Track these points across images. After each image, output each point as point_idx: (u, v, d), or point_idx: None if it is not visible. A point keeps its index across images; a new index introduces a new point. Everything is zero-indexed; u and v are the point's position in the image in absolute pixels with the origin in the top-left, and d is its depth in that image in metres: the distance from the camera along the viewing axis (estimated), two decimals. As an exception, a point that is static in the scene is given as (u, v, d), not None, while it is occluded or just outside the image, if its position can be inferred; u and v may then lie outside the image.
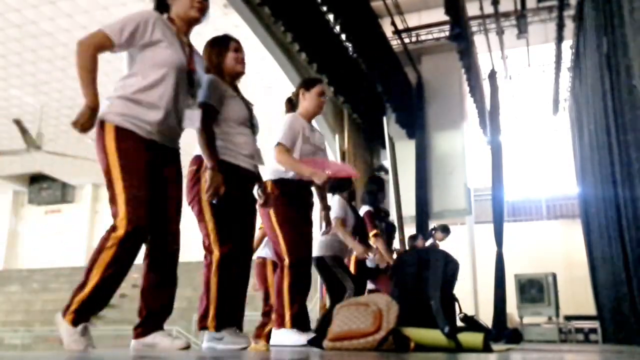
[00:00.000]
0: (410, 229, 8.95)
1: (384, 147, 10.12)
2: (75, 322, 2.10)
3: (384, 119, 9.61)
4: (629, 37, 3.91)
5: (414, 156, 9.88)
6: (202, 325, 2.53)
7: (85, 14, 10.31)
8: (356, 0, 7.50)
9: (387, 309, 2.38)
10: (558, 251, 13.31)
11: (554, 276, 9.26)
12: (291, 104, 3.33)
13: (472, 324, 2.76)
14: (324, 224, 3.38)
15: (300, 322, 2.91)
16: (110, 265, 2.09)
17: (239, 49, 2.72)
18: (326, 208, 3.29)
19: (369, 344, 2.30)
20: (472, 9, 9.14)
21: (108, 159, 2.14)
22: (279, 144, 3.04)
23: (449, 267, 2.76)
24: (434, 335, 2.44)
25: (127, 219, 2.10)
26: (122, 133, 2.15)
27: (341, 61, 8.05)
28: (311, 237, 3.16)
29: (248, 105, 2.74)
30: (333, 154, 9.59)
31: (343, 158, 9.28)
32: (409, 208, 9.34)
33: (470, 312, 7.03)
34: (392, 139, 9.91)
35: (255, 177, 2.71)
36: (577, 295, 10.87)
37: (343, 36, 7.76)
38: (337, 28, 7.56)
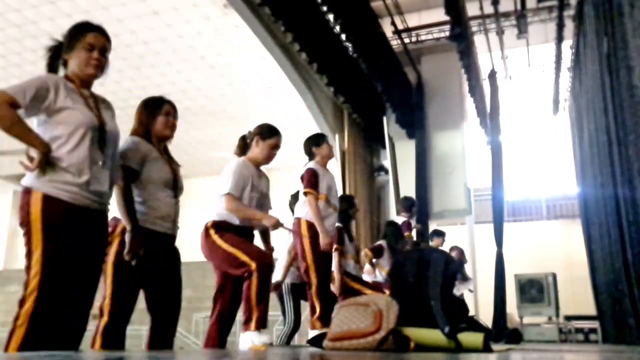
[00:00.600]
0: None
1: (384, 147, 10.13)
2: None
3: (384, 119, 9.61)
4: (629, 37, 3.91)
5: (414, 156, 9.87)
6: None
7: (85, 14, 10.30)
8: (356, 0, 7.50)
9: (387, 309, 2.38)
10: (558, 251, 13.31)
11: (554, 276, 9.26)
12: (244, 143, 3.38)
13: (472, 324, 2.76)
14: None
15: (263, 323, 2.97)
16: (23, 344, 1.99)
17: (171, 113, 2.73)
18: (270, 250, 3.37)
19: (369, 344, 2.30)
20: (472, 9, 9.14)
21: (31, 226, 2.07)
22: (228, 193, 3.11)
23: (449, 268, 2.76)
24: (434, 335, 2.44)
25: (38, 292, 2.01)
26: (49, 201, 2.08)
27: (341, 61, 8.05)
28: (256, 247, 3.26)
29: (173, 168, 2.73)
30: (333, 154, 9.57)
31: (343, 158, 9.28)
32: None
33: (470, 312, 7.02)
34: (392, 139, 9.91)
35: (173, 238, 2.73)
36: (577, 295, 10.87)
37: (343, 36, 7.76)
38: (337, 28, 7.56)
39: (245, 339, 2.93)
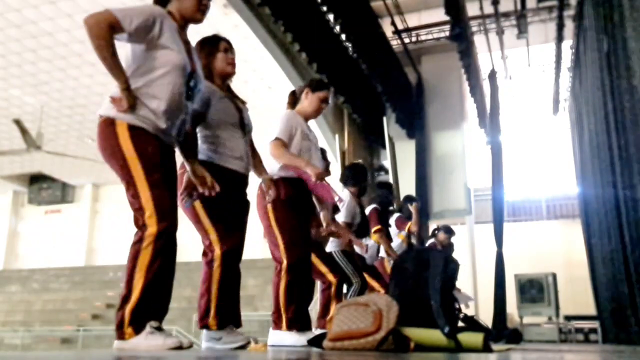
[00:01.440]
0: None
1: (384, 147, 10.13)
2: (137, 331, 2.03)
3: (384, 119, 9.61)
4: (629, 37, 3.91)
5: (414, 156, 9.88)
6: (203, 324, 2.52)
7: (85, 14, 10.22)
8: (356, 0, 7.50)
9: (387, 309, 2.38)
10: (558, 251, 13.31)
11: (554, 276, 9.26)
12: (294, 98, 3.28)
13: (472, 324, 2.76)
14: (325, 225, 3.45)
15: (298, 323, 2.90)
16: (151, 264, 2.04)
17: (228, 49, 2.68)
18: (323, 208, 3.30)
19: (369, 344, 2.30)
20: (472, 9, 9.14)
21: (126, 158, 2.08)
22: (276, 138, 2.98)
23: (449, 268, 2.76)
24: (434, 335, 2.44)
25: (156, 215, 2.06)
26: (136, 131, 2.10)
27: (341, 61, 8.05)
28: (309, 238, 3.15)
29: (238, 107, 2.69)
30: (333, 154, 9.59)
31: (343, 158, 9.28)
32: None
33: (470, 312, 7.02)
34: (392, 139, 9.91)
35: (246, 178, 2.69)
36: (577, 295, 10.87)
37: (343, 36, 7.77)
38: (337, 28, 7.57)
39: (276, 337, 2.88)
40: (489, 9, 9.16)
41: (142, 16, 2.11)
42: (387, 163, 10.13)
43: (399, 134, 10.05)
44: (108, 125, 2.12)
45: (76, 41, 11.10)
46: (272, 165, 3.03)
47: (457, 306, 2.80)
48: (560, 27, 8.57)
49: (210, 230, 2.53)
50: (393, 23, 9.19)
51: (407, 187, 9.62)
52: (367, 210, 4.89)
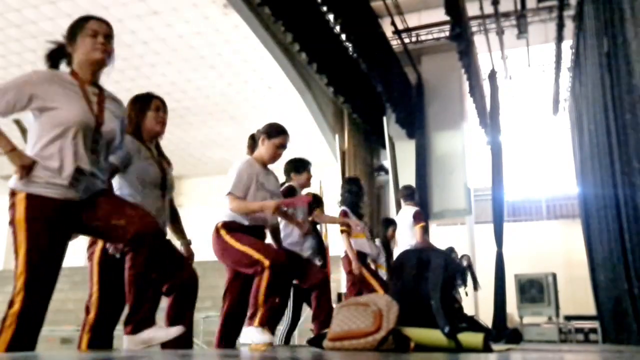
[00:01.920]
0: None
1: (384, 147, 10.13)
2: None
3: (384, 119, 9.61)
4: (629, 37, 3.91)
5: (414, 156, 9.88)
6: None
7: (85, 14, 10.30)
8: (356, 0, 7.50)
9: (387, 309, 2.38)
10: (558, 251, 13.31)
11: (554, 276, 9.26)
12: (253, 142, 3.40)
13: (472, 324, 2.76)
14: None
15: (269, 321, 2.96)
16: (11, 344, 2.00)
17: (160, 108, 2.73)
18: (280, 247, 3.43)
19: (369, 344, 2.30)
20: (472, 9, 9.14)
21: (16, 225, 2.08)
22: (229, 193, 3.11)
23: (450, 268, 2.76)
24: (434, 335, 2.44)
25: (24, 292, 2.03)
26: (32, 201, 2.08)
27: (341, 61, 8.05)
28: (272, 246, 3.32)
29: (163, 167, 2.71)
30: (333, 154, 9.60)
31: (343, 158, 9.28)
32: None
33: (470, 312, 7.01)
34: (392, 139, 9.91)
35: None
36: (577, 295, 10.87)
37: (343, 36, 7.76)
38: (337, 28, 7.56)
39: (247, 334, 2.92)
40: (489, 9, 9.16)
41: (12, 92, 2.15)
42: (387, 163, 10.13)
43: (399, 134, 10.04)
44: (10, 197, 2.12)
45: None
46: (226, 211, 3.17)
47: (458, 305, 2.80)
48: (560, 27, 8.56)
49: (95, 291, 2.57)
50: (393, 23, 9.19)
51: (407, 187, 9.60)
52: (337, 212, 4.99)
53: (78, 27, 2.28)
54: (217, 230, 3.14)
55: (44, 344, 14.82)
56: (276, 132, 3.31)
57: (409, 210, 5.97)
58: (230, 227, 3.11)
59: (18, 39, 11.37)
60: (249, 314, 2.99)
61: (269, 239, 3.41)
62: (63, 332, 15.02)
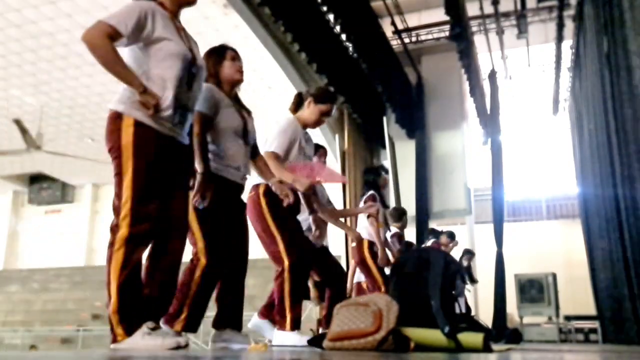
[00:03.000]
0: (410, 229, 8.95)
1: (384, 147, 10.13)
2: (128, 332, 2.03)
3: (384, 119, 9.61)
4: (629, 37, 3.91)
5: (414, 156, 9.87)
6: (170, 325, 2.49)
7: (85, 13, 10.30)
8: (356, 0, 7.50)
9: (387, 309, 2.38)
10: (558, 251, 13.31)
11: (554, 276, 9.26)
12: (299, 100, 3.26)
13: (472, 324, 2.76)
14: (314, 228, 3.58)
15: (299, 323, 2.92)
16: (124, 267, 2.03)
17: (236, 57, 2.73)
18: (313, 212, 3.35)
19: (369, 344, 2.30)
20: (472, 9, 9.14)
21: (122, 152, 2.08)
22: (273, 152, 2.99)
23: (449, 267, 2.76)
24: (434, 335, 2.44)
25: (130, 218, 2.05)
26: (140, 128, 2.09)
27: (341, 61, 8.04)
28: (307, 239, 3.19)
29: (243, 116, 2.73)
30: (333, 154, 9.59)
31: (343, 158, 9.28)
32: (409, 208, 9.30)
33: (470, 311, 6.98)
34: (392, 139, 9.91)
35: (242, 187, 2.73)
36: (577, 295, 10.87)
37: (343, 36, 7.76)
38: (337, 28, 7.56)
39: (282, 338, 2.88)
40: (489, 9, 9.16)
41: (134, 16, 2.11)
42: (387, 163, 10.12)
43: (399, 134, 10.04)
44: (115, 120, 2.12)
45: (76, 41, 11.09)
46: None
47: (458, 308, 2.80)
48: (560, 27, 8.57)
49: (199, 240, 2.55)
50: (393, 23, 9.19)
51: (407, 187, 9.62)
52: (365, 197, 4.85)
53: None
54: (257, 195, 2.94)
55: (44, 344, 14.84)
56: (326, 97, 3.20)
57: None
58: (272, 196, 2.87)
59: (18, 39, 11.37)
60: (276, 317, 2.93)
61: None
62: (63, 332, 15.02)
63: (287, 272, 2.87)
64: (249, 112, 2.80)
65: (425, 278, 2.71)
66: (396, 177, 9.69)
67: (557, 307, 9.11)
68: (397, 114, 9.66)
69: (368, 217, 4.71)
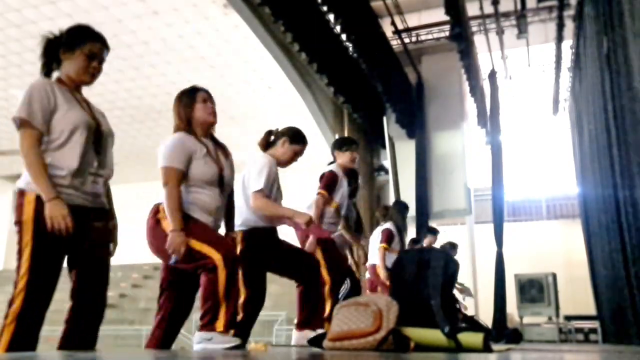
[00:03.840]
0: (410, 229, 8.95)
1: (384, 147, 10.14)
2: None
3: (384, 119, 9.62)
4: (629, 37, 3.91)
5: (414, 156, 9.88)
6: (208, 327, 2.47)
7: (85, 13, 10.30)
8: (356, 0, 7.50)
9: (387, 309, 2.38)
10: (558, 251, 13.32)
11: (554, 276, 9.27)
12: (268, 138, 3.28)
13: (472, 324, 2.76)
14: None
15: (233, 324, 2.70)
16: (11, 342, 2.02)
17: (207, 99, 2.66)
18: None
19: (369, 344, 2.30)
20: (472, 9, 9.14)
21: (22, 226, 2.11)
22: (260, 190, 3.00)
23: (449, 267, 2.76)
24: (434, 335, 2.44)
25: (25, 292, 2.05)
26: (41, 201, 2.10)
27: (341, 61, 8.05)
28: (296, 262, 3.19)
29: (219, 162, 2.64)
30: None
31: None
32: (409, 208, 9.33)
33: (470, 312, 7.01)
34: (392, 139, 9.92)
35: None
36: (577, 295, 10.87)
37: (343, 36, 7.77)
38: (337, 28, 7.57)
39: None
40: (489, 9, 9.16)
41: (40, 107, 2.15)
42: (387, 163, 10.14)
43: (399, 134, 10.04)
44: (19, 196, 2.16)
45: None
46: (246, 213, 3.06)
47: (458, 307, 2.80)
48: (560, 27, 8.57)
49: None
50: (393, 23, 9.19)
51: (407, 187, 9.62)
52: (381, 229, 5.38)
53: (78, 41, 2.27)
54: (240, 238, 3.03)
55: (44, 344, 14.84)
56: (300, 139, 3.25)
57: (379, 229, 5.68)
58: (250, 240, 3.01)
59: (18, 39, 11.38)
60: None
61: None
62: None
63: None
64: (226, 154, 2.72)
65: (425, 278, 2.72)
66: (396, 177, 9.69)
67: (557, 307, 9.11)
68: (397, 114, 9.66)
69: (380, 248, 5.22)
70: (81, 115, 2.21)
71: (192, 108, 2.62)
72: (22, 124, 2.15)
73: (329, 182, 3.80)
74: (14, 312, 2.03)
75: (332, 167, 3.94)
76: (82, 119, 2.20)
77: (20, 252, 2.11)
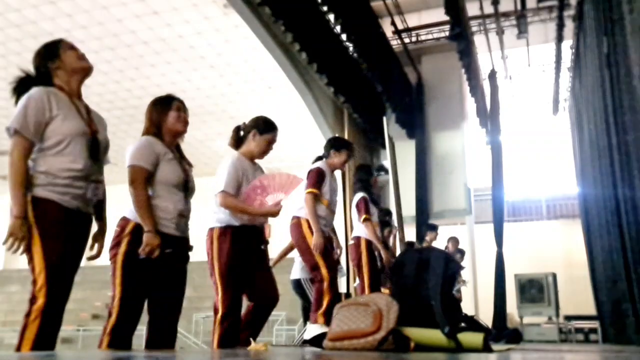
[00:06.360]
0: (410, 229, 8.95)
1: (384, 147, 10.13)
2: None
3: (384, 119, 9.61)
4: (629, 37, 3.91)
5: (414, 156, 9.88)
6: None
7: (85, 14, 10.30)
8: (356, 0, 7.50)
9: (387, 309, 2.38)
10: (558, 251, 13.32)
11: (554, 276, 9.26)
12: (237, 135, 3.29)
13: (472, 324, 2.76)
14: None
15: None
16: (37, 338, 2.08)
17: (181, 108, 2.71)
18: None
19: (369, 344, 2.30)
20: (472, 9, 9.14)
21: (30, 227, 2.16)
22: (222, 191, 3.02)
23: (449, 267, 2.76)
24: (434, 335, 2.44)
25: (46, 287, 2.11)
26: (41, 202, 2.16)
27: (341, 61, 8.05)
28: (259, 280, 3.10)
29: (185, 168, 2.70)
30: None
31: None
32: (409, 208, 9.34)
33: (470, 312, 7.01)
34: (392, 139, 9.91)
35: (180, 240, 2.66)
36: (577, 295, 10.87)
37: (343, 36, 7.77)
38: (337, 28, 7.57)
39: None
40: (489, 9, 9.16)
41: (34, 118, 2.19)
42: (387, 163, 10.12)
43: (399, 134, 10.04)
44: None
45: (75, 41, 11.07)
46: (220, 212, 3.07)
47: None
48: (560, 27, 8.57)
49: (117, 295, 2.52)
50: (393, 23, 9.19)
51: (407, 187, 9.62)
52: (356, 199, 4.90)
53: (59, 48, 2.39)
54: (210, 238, 3.06)
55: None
56: (269, 127, 3.24)
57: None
58: (224, 236, 3.02)
59: (18, 39, 11.37)
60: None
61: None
62: (63, 332, 15.01)
63: (218, 323, 2.93)
64: (189, 165, 2.78)
65: (425, 278, 2.72)
66: (396, 177, 9.68)
67: (557, 307, 9.11)
68: (397, 114, 9.66)
69: (364, 221, 4.71)
70: (77, 124, 2.26)
71: (166, 115, 2.67)
72: (15, 133, 2.19)
73: (317, 178, 3.78)
74: (39, 308, 2.09)
75: (320, 164, 3.91)
76: (79, 128, 2.26)
77: (30, 253, 2.16)
